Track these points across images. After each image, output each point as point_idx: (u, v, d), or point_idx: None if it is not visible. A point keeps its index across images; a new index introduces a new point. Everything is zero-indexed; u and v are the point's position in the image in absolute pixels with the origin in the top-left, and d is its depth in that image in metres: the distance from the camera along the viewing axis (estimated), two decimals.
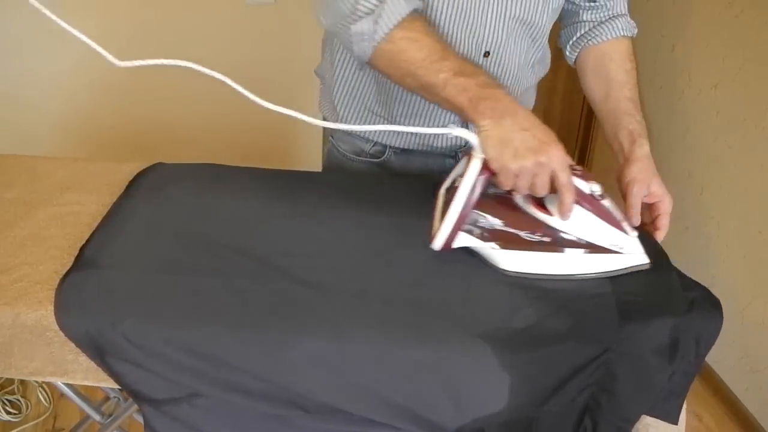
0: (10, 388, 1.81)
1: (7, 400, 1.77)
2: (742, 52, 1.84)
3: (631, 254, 0.86)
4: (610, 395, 0.82)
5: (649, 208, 1.00)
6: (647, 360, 0.81)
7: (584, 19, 1.13)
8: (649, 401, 0.84)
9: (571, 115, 2.80)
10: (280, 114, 0.79)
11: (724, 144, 1.93)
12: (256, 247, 0.90)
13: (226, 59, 2.29)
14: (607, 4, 1.11)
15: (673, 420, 0.85)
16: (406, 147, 1.15)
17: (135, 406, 1.10)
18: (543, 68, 1.17)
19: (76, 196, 1.02)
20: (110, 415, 1.17)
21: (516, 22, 1.03)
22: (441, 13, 0.99)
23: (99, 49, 0.72)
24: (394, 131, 1.13)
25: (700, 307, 0.84)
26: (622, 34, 1.11)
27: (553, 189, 0.82)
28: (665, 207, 0.99)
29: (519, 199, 0.87)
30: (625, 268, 0.86)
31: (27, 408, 1.77)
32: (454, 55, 0.89)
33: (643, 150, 1.01)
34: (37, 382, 1.79)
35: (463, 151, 0.87)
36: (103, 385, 0.86)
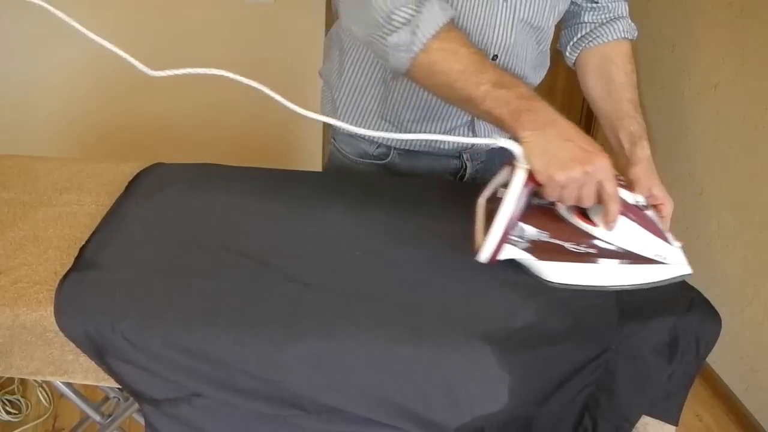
0: (10, 388, 1.81)
1: (7, 400, 1.77)
2: (742, 52, 1.84)
3: (675, 264, 0.85)
4: (610, 394, 0.82)
5: None
6: (647, 359, 0.81)
7: (585, 20, 1.13)
8: (648, 401, 0.84)
9: (571, 116, 2.78)
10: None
11: (724, 144, 1.93)
12: (256, 247, 0.90)
13: (225, 58, 2.31)
14: (609, 5, 1.12)
15: (673, 420, 0.85)
16: (411, 149, 1.15)
17: (135, 406, 1.10)
18: (544, 70, 1.17)
19: (74, 197, 1.02)
20: (110, 416, 1.16)
21: (524, 25, 1.03)
22: None
23: (132, 60, 0.72)
24: (399, 131, 1.13)
25: (700, 307, 0.84)
26: (622, 36, 1.11)
27: (598, 199, 0.82)
28: (666, 210, 0.99)
29: (562, 209, 0.86)
30: (669, 279, 0.85)
31: (27, 408, 1.77)
32: (492, 66, 0.88)
33: (644, 152, 1.01)
34: (37, 381, 1.79)
35: (505, 161, 0.86)
36: (103, 384, 0.86)
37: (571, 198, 0.81)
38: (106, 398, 1.47)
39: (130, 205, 0.99)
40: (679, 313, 0.82)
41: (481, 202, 0.93)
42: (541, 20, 1.04)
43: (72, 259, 0.85)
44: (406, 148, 1.15)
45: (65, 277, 0.82)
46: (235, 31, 2.29)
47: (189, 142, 2.41)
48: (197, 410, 0.81)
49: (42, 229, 0.93)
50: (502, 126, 0.85)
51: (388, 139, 1.14)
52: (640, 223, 0.83)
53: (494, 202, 0.86)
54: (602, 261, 0.84)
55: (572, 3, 1.12)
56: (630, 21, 1.13)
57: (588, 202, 0.81)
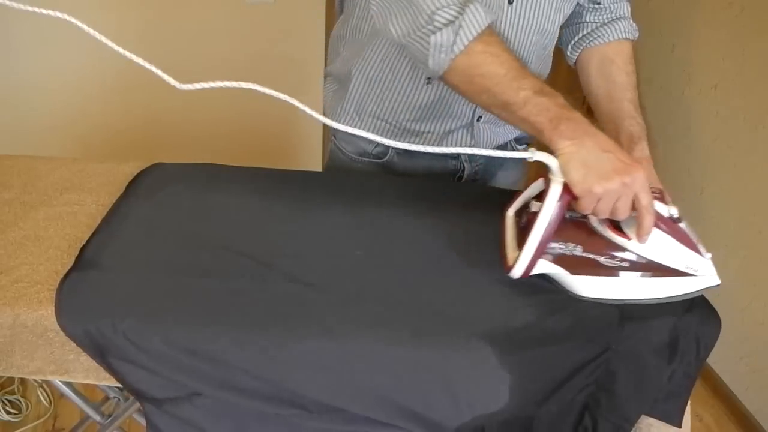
0: (10, 388, 1.81)
1: (7, 400, 1.77)
2: (742, 52, 1.84)
3: (705, 276, 0.84)
4: (610, 394, 0.82)
5: None
6: (647, 359, 0.81)
7: (587, 20, 1.13)
8: (648, 401, 0.84)
9: None
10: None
11: (724, 144, 1.93)
12: (256, 247, 0.90)
13: (225, 58, 2.31)
14: (611, 6, 1.12)
15: (674, 422, 0.85)
16: (409, 149, 1.15)
17: (135, 406, 1.10)
18: (546, 73, 1.17)
19: (75, 197, 1.02)
20: (110, 416, 1.16)
21: (529, 29, 1.03)
22: None
23: (161, 73, 0.71)
24: (397, 133, 1.13)
25: (700, 307, 0.84)
26: (624, 36, 1.11)
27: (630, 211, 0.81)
28: None
29: (595, 222, 0.85)
30: (699, 290, 0.84)
31: (27, 408, 1.77)
32: (532, 74, 0.87)
33: (643, 153, 1.01)
34: (37, 381, 1.79)
35: (543, 175, 0.85)
36: (104, 383, 0.86)
37: (606, 210, 0.80)
38: (106, 398, 1.47)
39: (130, 205, 0.99)
40: (679, 314, 0.82)
41: (510, 214, 0.91)
42: (546, 24, 1.04)
43: (73, 259, 0.85)
44: (405, 148, 1.15)
45: (66, 276, 0.82)
46: (235, 31, 2.29)
47: (189, 142, 2.41)
48: (198, 409, 0.81)
49: (43, 228, 0.93)
50: (539, 134, 0.84)
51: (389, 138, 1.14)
52: (673, 236, 0.82)
53: (524, 216, 0.85)
54: (635, 274, 0.83)
55: (576, 4, 1.12)
56: (632, 22, 1.13)
57: (623, 215, 0.80)
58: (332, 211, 1.01)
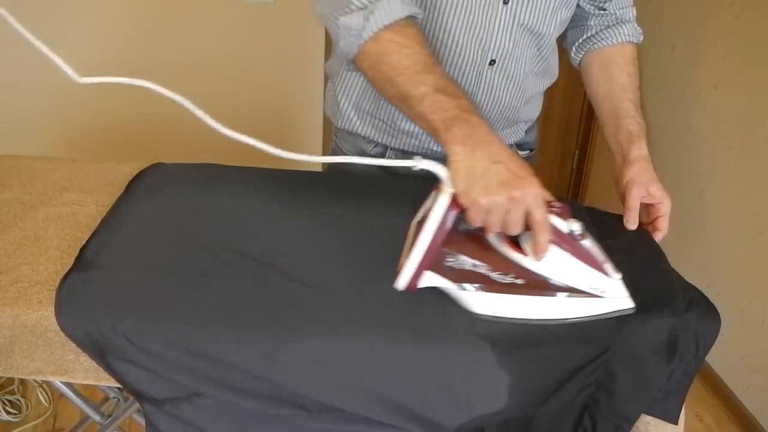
0: (10, 388, 1.81)
1: (7, 400, 1.77)
2: (742, 52, 1.84)
3: (614, 298, 0.80)
4: (609, 394, 0.82)
5: (647, 210, 1.00)
6: (646, 359, 0.81)
7: (592, 23, 1.14)
8: (648, 400, 0.84)
9: (571, 116, 2.80)
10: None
11: (724, 144, 1.93)
12: (256, 247, 0.90)
13: (225, 58, 2.31)
14: (617, 12, 1.12)
15: (673, 419, 0.85)
16: (406, 149, 1.15)
17: (135, 407, 1.10)
18: (549, 77, 1.17)
19: (74, 197, 1.02)
20: (110, 416, 1.16)
21: (523, 30, 1.02)
22: (449, 19, 0.99)
23: (61, 63, 0.70)
24: (393, 132, 1.13)
25: (699, 306, 0.84)
26: (627, 39, 1.12)
27: (528, 227, 0.77)
28: (665, 209, 0.99)
29: (492, 237, 0.80)
30: (606, 314, 0.80)
31: (27, 408, 1.77)
32: (441, 72, 0.85)
33: (641, 151, 1.01)
34: (37, 381, 1.79)
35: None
36: (104, 384, 0.86)
37: (497, 224, 0.76)
38: (106, 398, 1.48)
39: (130, 205, 0.99)
40: (678, 313, 0.82)
41: (414, 223, 0.86)
42: (542, 26, 1.03)
43: (72, 259, 0.85)
44: (402, 148, 1.15)
45: (66, 276, 0.82)
46: (235, 31, 2.29)
47: (189, 142, 2.41)
48: (198, 410, 0.81)
49: (42, 228, 0.93)
50: (434, 134, 0.81)
51: (386, 138, 1.14)
52: (573, 254, 0.77)
53: (421, 226, 0.80)
54: (532, 293, 0.79)
55: (579, 7, 1.12)
56: (636, 25, 1.13)
57: (515, 230, 0.76)
58: (332, 210, 1.01)
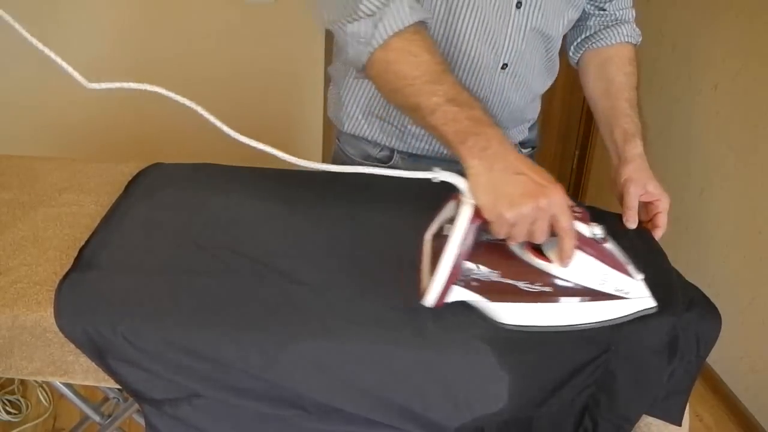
0: (10, 388, 1.81)
1: (7, 400, 1.77)
2: (742, 52, 1.84)
3: (638, 299, 0.80)
4: (610, 395, 0.82)
5: (646, 207, 1.00)
6: (646, 359, 0.81)
7: (591, 23, 1.14)
8: (648, 400, 0.84)
9: (571, 116, 2.80)
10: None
11: (724, 144, 1.93)
12: (256, 247, 0.90)
13: (225, 58, 2.31)
14: (616, 13, 1.13)
15: (675, 420, 0.85)
16: (414, 152, 1.15)
17: (134, 407, 1.10)
18: (551, 78, 1.17)
19: (74, 197, 1.02)
20: (110, 416, 1.17)
21: (535, 33, 1.03)
22: (464, 24, 0.98)
23: (71, 70, 0.70)
24: (402, 136, 1.12)
25: (699, 305, 0.84)
26: (626, 40, 1.12)
27: (552, 233, 0.76)
28: (663, 205, 0.99)
29: (514, 246, 0.79)
30: (632, 314, 0.80)
31: (27, 408, 1.77)
32: (452, 81, 0.83)
33: (636, 150, 1.01)
34: (37, 382, 1.79)
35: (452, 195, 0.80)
36: (103, 384, 0.86)
37: (522, 235, 0.75)
38: (106, 399, 1.47)
39: (129, 205, 0.99)
40: (678, 312, 0.82)
41: (427, 238, 0.85)
42: (552, 28, 1.04)
43: (72, 260, 0.85)
44: (409, 151, 1.15)
45: (65, 277, 0.82)
46: (235, 31, 2.29)
47: (188, 142, 2.41)
48: (197, 410, 0.81)
49: (41, 229, 0.93)
50: (448, 146, 0.80)
51: (394, 141, 1.14)
52: (598, 258, 0.77)
53: (440, 240, 0.79)
54: (560, 300, 0.78)
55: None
56: (635, 26, 1.14)
57: (540, 238, 0.75)
58: (332, 210, 1.00)
